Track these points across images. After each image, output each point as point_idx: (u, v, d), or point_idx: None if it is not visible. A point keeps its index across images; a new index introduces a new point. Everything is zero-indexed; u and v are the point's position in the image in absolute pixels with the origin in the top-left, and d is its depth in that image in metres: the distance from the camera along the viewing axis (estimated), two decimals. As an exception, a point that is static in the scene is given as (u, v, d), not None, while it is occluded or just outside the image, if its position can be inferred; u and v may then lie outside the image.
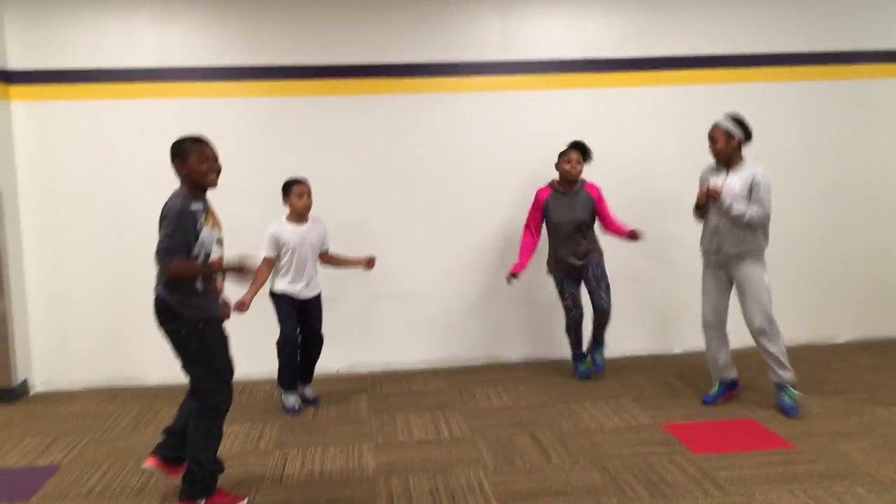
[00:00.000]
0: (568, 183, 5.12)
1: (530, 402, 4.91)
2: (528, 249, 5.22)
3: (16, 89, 5.31)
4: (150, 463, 3.64)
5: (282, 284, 4.79)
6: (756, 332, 4.52)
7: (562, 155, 5.12)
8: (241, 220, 4.91)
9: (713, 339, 4.75)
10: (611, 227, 5.20)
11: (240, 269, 3.39)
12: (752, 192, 4.41)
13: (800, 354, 5.73)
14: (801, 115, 5.91)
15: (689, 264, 5.77)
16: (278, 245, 4.73)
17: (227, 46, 5.42)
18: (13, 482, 3.88)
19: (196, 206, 3.35)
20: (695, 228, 5.18)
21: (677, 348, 5.92)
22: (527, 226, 5.25)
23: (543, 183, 5.26)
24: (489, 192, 5.67)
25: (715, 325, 4.71)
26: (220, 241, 3.50)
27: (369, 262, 4.96)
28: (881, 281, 6.11)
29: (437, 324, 5.77)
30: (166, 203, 3.35)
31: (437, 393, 5.16)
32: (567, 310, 5.27)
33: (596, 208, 5.15)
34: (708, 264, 4.70)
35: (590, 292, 5.21)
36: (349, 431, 4.47)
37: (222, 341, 3.49)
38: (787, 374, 4.53)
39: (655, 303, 5.87)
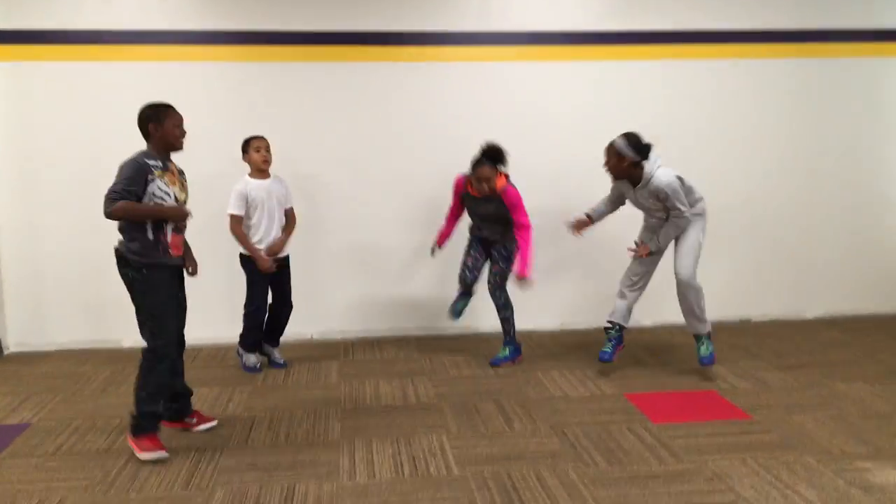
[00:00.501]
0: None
1: (498, 371, 4.98)
2: (446, 231, 5.15)
3: (-10, 49, 5.28)
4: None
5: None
6: (682, 284, 4.70)
7: (473, 169, 4.76)
8: (217, 184, 4.95)
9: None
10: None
11: (177, 213, 3.66)
12: (664, 202, 4.54)
13: (766, 330, 5.86)
14: (782, 91, 5.95)
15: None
16: (245, 201, 4.79)
17: (206, 10, 5.39)
18: (-18, 439, 3.94)
19: (153, 161, 3.62)
20: None
21: (647, 321, 6.00)
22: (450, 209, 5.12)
23: (515, 157, 5.28)
24: (461, 162, 5.68)
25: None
26: (176, 198, 3.69)
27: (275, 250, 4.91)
28: (853, 257, 6.20)
29: (410, 293, 5.82)
30: (127, 158, 3.63)
31: (408, 361, 5.23)
32: (462, 265, 5.12)
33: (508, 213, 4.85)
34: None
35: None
36: (318, 396, 4.54)
37: (164, 290, 3.69)
38: (704, 327, 4.79)
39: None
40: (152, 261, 3.64)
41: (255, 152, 4.79)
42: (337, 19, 5.47)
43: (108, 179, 5.29)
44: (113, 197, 3.49)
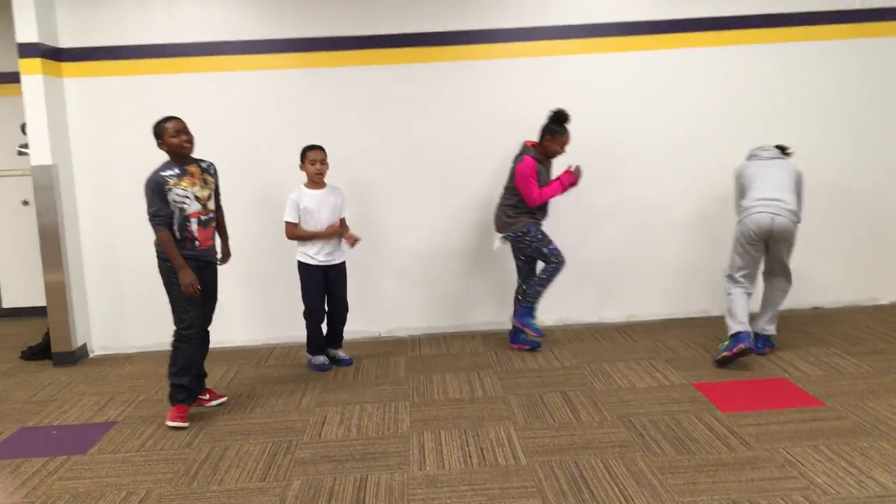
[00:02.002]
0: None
1: (564, 363, 5.00)
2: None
3: (68, 66, 5.53)
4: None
5: (306, 252, 4.99)
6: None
7: (556, 135, 5.00)
8: (280, 192, 5.12)
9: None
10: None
11: (184, 275, 4.12)
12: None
13: (839, 317, 5.73)
14: (854, 72, 5.80)
15: (730, 225, 5.80)
16: (297, 209, 4.93)
17: (266, 20, 5.54)
18: (72, 437, 4.15)
19: (169, 171, 4.11)
20: (731, 192, 5.26)
21: (715, 311, 5.92)
22: (538, 190, 5.08)
23: (574, 150, 5.33)
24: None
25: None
26: (197, 198, 4.17)
27: (350, 238, 5.02)
28: (926, 241, 6.01)
29: (472, 289, 5.88)
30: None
31: (474, 355, 5.29)
32: (559, 253, 5.08)
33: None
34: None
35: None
36: (387, 391, 4.64)
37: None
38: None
39: (690, 266, 5.87)
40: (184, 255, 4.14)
41: (310, 165, 4.90)
42: (392, 22, 5.55)
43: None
44: (152, 222, 4.10)
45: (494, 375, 4.82)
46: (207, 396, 4.53)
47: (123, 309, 5.77)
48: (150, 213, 4.09)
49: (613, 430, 3.86)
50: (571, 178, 5.06)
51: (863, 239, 5.97)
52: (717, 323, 5.70)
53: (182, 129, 4.17)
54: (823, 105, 5.81)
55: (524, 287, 5.26)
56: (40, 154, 5.37)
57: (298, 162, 4.99)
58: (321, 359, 5.18)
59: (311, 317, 5.09)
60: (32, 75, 5.30)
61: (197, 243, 4.21)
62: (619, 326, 5.80)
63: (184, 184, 4.12)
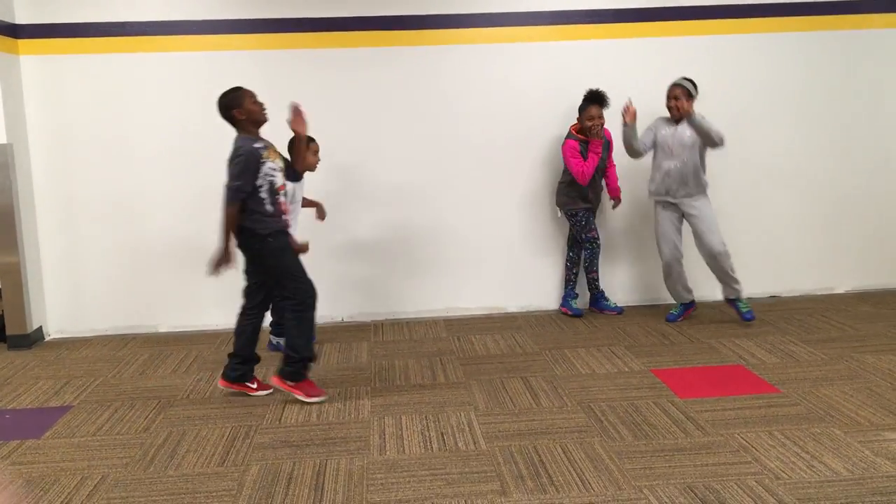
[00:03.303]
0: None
1: (526, 349, 5.03)
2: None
3: (24, 43, 5.41)
4: (220, 384, 4.34)
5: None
6: (720, 255, 5.22)
7: (581, 111, 5.41)
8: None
9: (678, 271, 5.44)
10: (612, 172, 5.72)
11: (222, 260, 4.02)
12: (700, 131, 5.09)
13: (795, 305, 5.84)
14: (805, 64, 5.89)
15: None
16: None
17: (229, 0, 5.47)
18: (26, 421, 4.08)
19: (258, 144, 3.98)
20: (717, 179, 5.38)
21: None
22: (581, 164, 5.42)
23: (540, 138, 5.38)
24: (488, 143, 5.73)
25: (677, 258, 5.40)
26: (282, 170, 4.11)
27: (319, 211, 5.15)
28: (883, 231, 6.13)
29: (438, 274, 5.88)
30: (234, 146, 3.98)
31: (437, 341, 5.30)
32: (594, 240, 5.66)
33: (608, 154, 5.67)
34: (661, 206, 5.40)
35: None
36: (348, 376, 4.62)
37: (289, 250, 4.13)
38: (740, 287, 5.34)
39: (653, 253, 5.92)
40: (274, 228, 4.03)
41: (313, 155, 4.88)
42: (360, 5, 5.52)
43: (141, 169, 5.53)
44: (233, 196, 3.91)
45: (456, 361, 4.83)
46: (255, 385, 4.36)
47: (81, 292, 5.67)
48: (233, 187, 3.90)
49: (573, 415, 3.89)
50: (597, 142, 5.41)
51: (819, 228, 6.08)
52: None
53: (256, 97, 4.06)
54: (782, 95, 5.89)
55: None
56: (-5, 133, 5.24)
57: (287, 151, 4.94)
58: (276, 341, 5.17)
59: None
60: (-13, 52, 5.18)
61: (285, 217, 4.15)
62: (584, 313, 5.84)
63: (271, 156, 4.04)
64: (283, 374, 4.16)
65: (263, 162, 3.96)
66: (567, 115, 5.60)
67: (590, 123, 5.35)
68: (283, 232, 4.11)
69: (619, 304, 5.87)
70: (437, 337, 5.39)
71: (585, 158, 5.41)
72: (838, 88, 5.94)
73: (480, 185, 5.76)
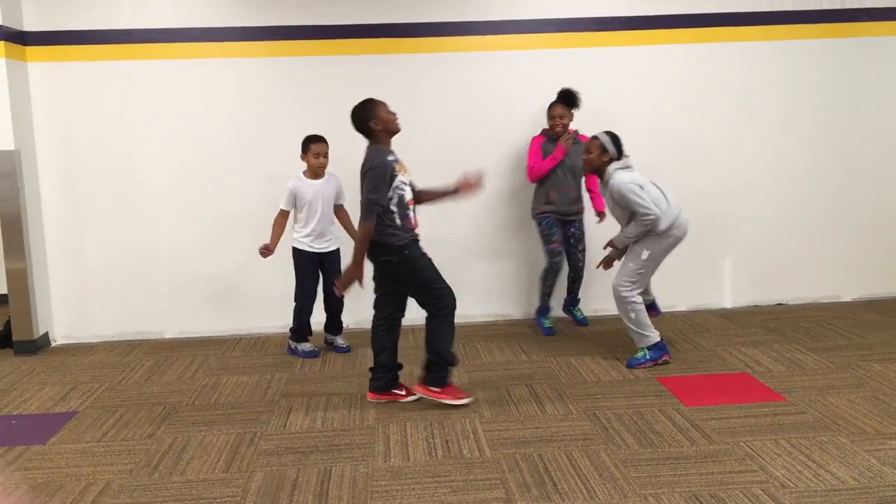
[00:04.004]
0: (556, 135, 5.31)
1: (531, 356, 5.03)
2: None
3: (32, 50, 5.43)
4: (369, 397, 4.31)
5: (301, 238, 5.07)
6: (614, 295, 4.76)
7: (548, 109, 5.31)
8: (261, 174, 5.11)
9: None
10: (591, 186, 5.54)
11: (351, 278, 4.00)
12: (620, 203, 4.61)
13: (802, 313, 5.81)
14: (816, 71, 5.88)
15: (697, 222, 5.85)
16: (295, 199, 5.02)
17: (238, 6, 5.49)
18: (32, 427, 4.09)
19: (391, 157, 3.97)
20: (704, 185, 5.37)
21: (681, 306, 5.99)
22: (536, 159, 5.34)
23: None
24: (491, 152, 5.72)
25: None
26: (410, 184, 4.10)
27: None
28: (890, 240, 6.10)
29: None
30: (368, 158, 3.97)
31: (442, 347, 5.29)
32: (553, 254, 5.38)
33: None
34: None
35: (567, 252, 5.48)
36: (353, 383, 4.62)
37: (425, 256, 4.14)
38: (641, 340, 4.74)
39: (662, 262, 5.90)
40: (407, 240, 4.03)
41: (314, 158, 4.96)
42: (366, 12, 5.53)
43: (148, 176, 5.55)
44: (371, 210, 3.90)
45: (461, 368, 4.82)
46: (404, 392, 4.31)
47: (87, 298, 5.69)
48: (371, 199, 3.88)
49: (578, 423, 3.89)
50: (562, 150, 5.23)
51: (826, 236, 6.06)
52: (680, 318, 5.77)
53: (389, 106, 4.06)
54: (795, 104, 5.89)
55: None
56: (2, 139, 5.25)
57: (290, 150, 5.08)
58: (307, 346, 5.22)
59: (300, 303, 5.13)
60: (-5, 59, 5.21)
61: (412, 230, 4.11)
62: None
63: (401, 170, 4.02)
64: (428, 381, 4.17)
65: (395, 175, 3.95)
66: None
67: (551, 123, 5.26)
68: (415, 242, 4.10)
69: (552, 325, 5.59)
70: (442, 344, 5.38)
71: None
72: (847, 96, 5.92)
73: (486, 192, 5.75)
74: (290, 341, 5.23)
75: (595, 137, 4.68)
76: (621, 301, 4.70)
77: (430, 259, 4.15)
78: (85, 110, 5.51)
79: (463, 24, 5.62)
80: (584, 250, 5.49)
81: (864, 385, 4.25)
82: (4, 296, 5.48)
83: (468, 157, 5.59)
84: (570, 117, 5.28)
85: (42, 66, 5.46)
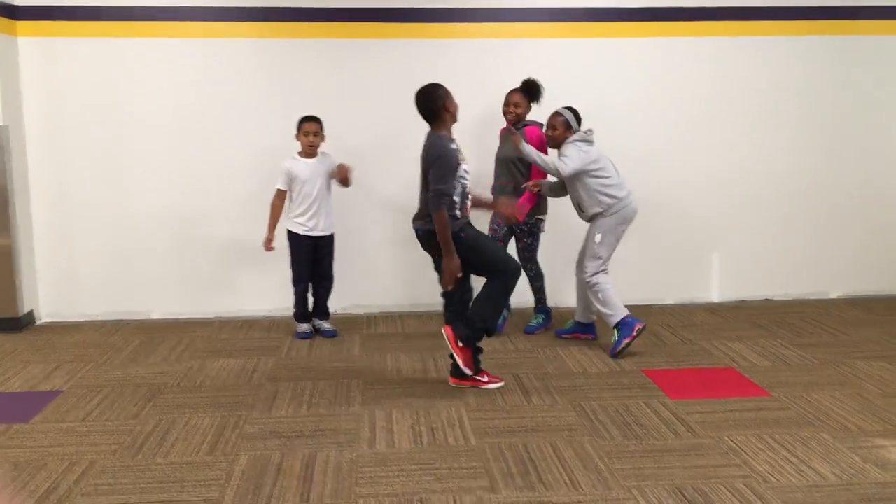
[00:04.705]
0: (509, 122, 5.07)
1: (518, 346, 5.03)
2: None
3: (22, 25, 5.36)
4: (451, 381, 4.30)
5: (295, 219, 5.09)
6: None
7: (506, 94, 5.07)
8: (250, 156, 5.10)
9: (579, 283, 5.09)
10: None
11: (451, 271, 3.97)
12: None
13: (788, 309, 5.84)
14: (802, 69, 5.88)
15: (685, 216, 5.87)
16: (290, 178, 5.04)
17: (231, -14, 5.45)
18: (14, 405, 4.06)
19: (454, 145, 3.95)
20: (693, 179, 5.39)
21: (669, 299, 6.00)
22: None
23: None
24: (485, 141, 5.70)
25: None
26: (467, 172, 4.05)
27: (342, 175, 5.08)
28: (876, 237, 6.14)
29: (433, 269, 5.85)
30: (434, 146, 3.92)
31: (430, 336, 5.28)
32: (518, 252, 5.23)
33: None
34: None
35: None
36: (340, 368, 4.62)
37: (481, 236, 4.18)
38: (611, 319, 4.84)
39: (647, 255, 5.92)
40: (461, 225, 4.01)
41: (304, 136, 5.00)
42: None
43: (136, 155, 5.50)
44: (441, 201, 3.86)
45: (449, 356, 4.80)
46: (486, 378, 4.27)
47: (74, 276, 5.64)
48: (440, 189, 3.84)
49: (564, 413, 3.89)
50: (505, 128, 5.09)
51: (813, 233, 6.08)
52: (669, 311, 5.79)
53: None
54: (781, 101, 5.89)
55: None
56: (-10, 114, 5.21)
57: (294, 131, 5.05)
58: (303, 327, 5.27)
59: (296, 285, 5.20)
60: (-16, 32, 5.14)
61: (466, 214, 4.11)
62: (573, 311, 5.81)
63: (464, 159, 4.01)
64: (459, 333, 4.11)
65: (459, 163, 3.94)
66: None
67: (504, 108, 5.04)
68: (468, 223, 4.09)
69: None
70: (429, 332, 5.38)
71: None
72: (833, 93, 5.93)
73: (474, 183, 5.74)
74: (294, 319, 5.33)
75: (558, 114, 4.79)
76: (589, 287, 4.85)
77: (486, 236, 4.26)
78: (74, 87, 5.45)
79: (461, 11, 5.58)
80: (524, 249, 5.16)
81: (849, 382, 4.28)
82: (-11, 272, 5.43)
83: (463, 143, 5.55)
84: (527, 108, 5.04)
85: (32, 41, 5.39)
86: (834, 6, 5.81)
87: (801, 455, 3.39)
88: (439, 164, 3.87)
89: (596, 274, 4.80)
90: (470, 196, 4.13)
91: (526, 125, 5.03)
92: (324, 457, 3.42)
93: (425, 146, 4.00)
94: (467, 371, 4.14)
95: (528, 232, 5.13)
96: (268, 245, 5.06)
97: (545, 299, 5.38)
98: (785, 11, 5.78)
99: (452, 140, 3.99)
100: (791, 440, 3.54)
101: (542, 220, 5.18)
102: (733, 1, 5.73)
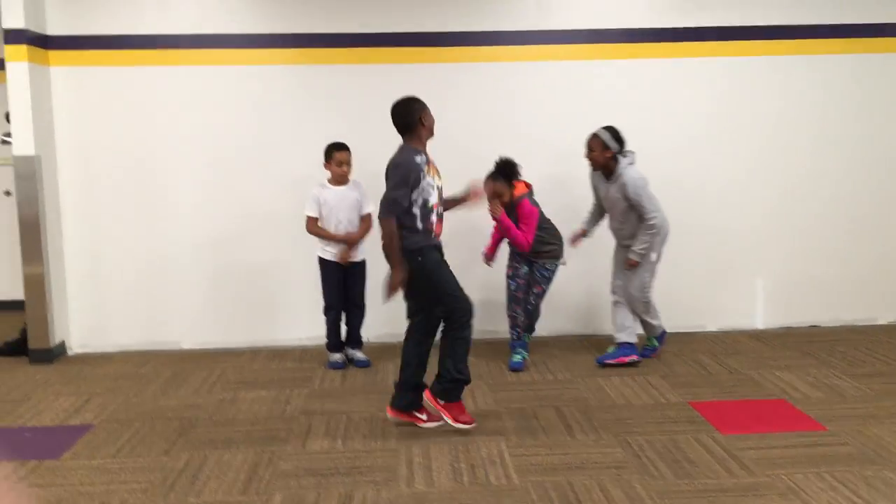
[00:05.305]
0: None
1: (557, 376, 4.87)
2: (494, 237, 5.24)
3: (55, 55, 5.36)
4: (389, 414, 4.07)
5: (326, 247, 5.03)
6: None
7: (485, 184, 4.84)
8: (279, 184, 5.01)
9: (618, 305, 5.08)
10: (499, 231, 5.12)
11: (393, 284, 3.84)
12: (629, 201, 4.74)
13: (837, 336, 5.63)
14: (846, 87, 5.71)
15: (728, 241, 5.70)
16: (319, 205, 4.98)
17: (263, 14, 5.40)
18: (46, 440, 3.98)
19: (420, 158, 3.82)
20: (738, 201, 5.22)
21: (711, 326, 5.81)
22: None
23: (575, 157, 5.18)
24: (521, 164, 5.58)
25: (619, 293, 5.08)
26: (438, 189, 3.93)
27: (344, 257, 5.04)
28: (926, 262, 5.91)
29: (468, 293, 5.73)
30: (396, 156, 3.85)
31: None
32: (507, 277, 5.14)
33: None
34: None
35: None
36: (375, 400, 4.48)
37: (443, 265, 3.93)
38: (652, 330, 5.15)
39: (688, 280, 5.74)
40: (422, 245, 3.84)
41: (337, 166, 4.94)
42: (393, 21, 5.43)
43: (168, 183, 5.46)
44: (389, 208, 3.74)
45: (486, 387, 4.68)
46: (425, 416, 4.06)
47: (105, 306, 5.59)
48: (390, 199, 3.73)
49: (609, 449, 3.72)
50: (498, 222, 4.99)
51: (860, 257, 5.86)
52: (711, 339, 5.60)
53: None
54: (826, 119, 5.71)
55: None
56: (23, 144, 5.19)
57: (323, 159, 5.00)
58: (336, 356, 5.18)
59: (327, 313, 5.14)
60: (18, 62, 5.14)
61: (433, 235, 3.94)
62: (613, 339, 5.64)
63: (431, 172, 3.88)
64: (435, 391, 3.95)
65: (423, 177, 3.80)
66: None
67: (490, 200, 4.83)
68: (433, 248, 3.90)
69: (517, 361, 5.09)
70: (465, 361, 5.23)
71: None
72: (886, 111, 5.74)
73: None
74: (326, 348, 5.24)
75: (595, 136, 4.78)
76: (643, 305, 4.97)
77: (448, 268, 3.94)
78: (106, 116, 5.43)
79: (489, 34, 5.49)
80: (539, 294, 5.11)
81: (909, 415, 4.07)
82: (20, 302, 5.39)
83: (488, 167, 5.45)
84: (510, 190, 4.90)
85: (64, 71, 5.39)
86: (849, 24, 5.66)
87: (865, 496, 3.19)
88: (395, 171, 3.78)
89: (650, 291, 4.95)
90: (438, 211, 3.93)
91: (518, 202, 4.93)
92: (361, 496, 3.29)
93: (392, 157, 3.88)
94: (462, 426, 3.94)
95: (548, 278, 5.08)
96: (345, 255, 4.98)
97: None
98: (830, 29, 5.62)
99: (420, 153, 3.86)
100: (853, 479, 3.34)
101: (558, 265, 5.11)
102: (773, 20, 5.59)
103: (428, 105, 3.94)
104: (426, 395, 3.97)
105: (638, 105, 5.57)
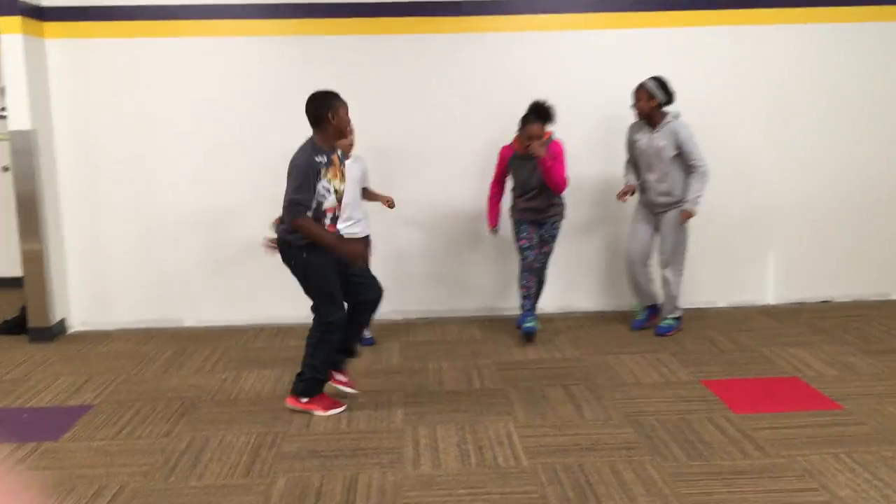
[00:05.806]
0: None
1: (565, 354, 4.78)
2: (493, 208, 5.08)
3: (50, 26, 5.23)
4: (287, 402, 3.99)
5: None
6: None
7: (523, 125, 4.73)
8: (281, 157, 4.85)
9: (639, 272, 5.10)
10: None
11: (343, 250, 3.72)
12: (679, 147, 4.76)
13: (850, 312, 5.51)
14: (861, 59, 5.54)
15: (739, 215, 5.59)
16: None
17: (262, -18, 5.26)
18: (44, 421, 3.91)
19: (320, 158, 3.66)
20: (750, 175, 5.06)
21: (721, 302, 5.71)
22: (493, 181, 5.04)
23: (611, 131, 5.07)
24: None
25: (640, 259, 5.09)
26: (336, 192, 3.78)
27: (388, 202, 4.93)
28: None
29: (472, 273, 5.64)
30: (296, 154, 3.69)
31: (471, 342, 5.06)
32: (521, 249, 4.95)
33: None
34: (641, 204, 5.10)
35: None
36: (379, 380, 4.40)
37: (327, 267, 3.77)
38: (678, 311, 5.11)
39: (698, 255, 5.62)
40: (310, 243, 3.70)
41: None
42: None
43: (168, 157, 5.34)
44: (293, 210, 3.62)
45: (493, 366, 4.59)
46: (346, 379, 4.08)
47: (106, 283, 5.50)
48: (294, 200, 3.60)
49: (620, 430, 3.64)
50: (542, 160, 4.72)
51: (873, 231, 5.73)
52: (722, 315, 5.50)
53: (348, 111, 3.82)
54: (832, 92, 5.55)
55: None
56: (19, 118, 5.08)
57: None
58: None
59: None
60: (12, 34, 5.01)
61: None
62: (623, 315, 5.54)
63: (329, 175, 3.71)
64: (297, 390, 3.91)
65: (319, 179, 3.65)
66: (607, 108, 5.31)
67: (527, 144, 4.69)
68: (319, 250, 3.71)
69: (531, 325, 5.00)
70: (471, 338, 5.15)
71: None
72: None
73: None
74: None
75: (640, 86, 4.79)
76: (679, 277, 4.98)
77: (333, 272, 3.78)
78: (103, 89, 5.30)
79: (494, 3, 5.34)
80: (548, 254, 5.06)
81: (926, 393, 3.98)
82: (19, 279, 5.31)
83: (500, 139, 5.31)
84: (544, 131, 4.75)
85: (60, 43, 5.26)
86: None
87: (884, 478, 3.10)
88: (293, 172, 3.64)
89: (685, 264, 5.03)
90: (332, 216, 3.80)
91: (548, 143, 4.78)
92: (366, 479, 3.21)
93: (294, 154, 3.72)
94: (335, 411, 3.91)
95: (555, 237, 5.03)
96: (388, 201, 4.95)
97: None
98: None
99: (322, 152, 3.68)
100: (872, 460, 3.25)
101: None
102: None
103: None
104: (289, 402, 3.94)
105: (647, 75, 5.41)
